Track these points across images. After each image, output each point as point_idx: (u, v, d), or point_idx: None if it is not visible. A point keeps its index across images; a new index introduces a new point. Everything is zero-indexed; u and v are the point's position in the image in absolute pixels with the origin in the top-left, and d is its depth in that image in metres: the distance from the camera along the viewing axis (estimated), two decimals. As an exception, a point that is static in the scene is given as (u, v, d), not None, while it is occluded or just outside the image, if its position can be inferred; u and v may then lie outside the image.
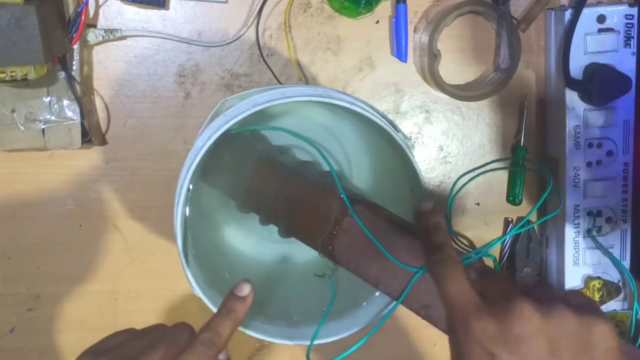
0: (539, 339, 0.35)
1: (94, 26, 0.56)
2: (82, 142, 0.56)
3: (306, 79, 0.59)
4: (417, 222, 0.43)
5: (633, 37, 0.58)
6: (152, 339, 0.42)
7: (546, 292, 0.40)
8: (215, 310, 0.46)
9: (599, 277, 0.62)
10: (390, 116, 0.61)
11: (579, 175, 0.60)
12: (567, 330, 0.35)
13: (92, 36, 0.55)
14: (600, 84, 0.57)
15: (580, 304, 0.37)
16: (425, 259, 0.42)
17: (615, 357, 0.35)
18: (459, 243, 0.61)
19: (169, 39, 0.57)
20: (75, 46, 0.54)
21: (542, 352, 0.34)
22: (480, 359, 0.35)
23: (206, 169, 0.50)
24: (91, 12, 0.56)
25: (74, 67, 0.55)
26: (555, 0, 0.60)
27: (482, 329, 0.35)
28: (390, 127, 0.46)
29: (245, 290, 0.45)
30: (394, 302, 0.45)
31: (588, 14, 0.57)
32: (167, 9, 0.57)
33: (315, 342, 0.48)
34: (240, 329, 0.48)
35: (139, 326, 0.63)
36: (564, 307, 0.36)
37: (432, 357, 0.66)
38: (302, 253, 0.54)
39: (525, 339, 0.35)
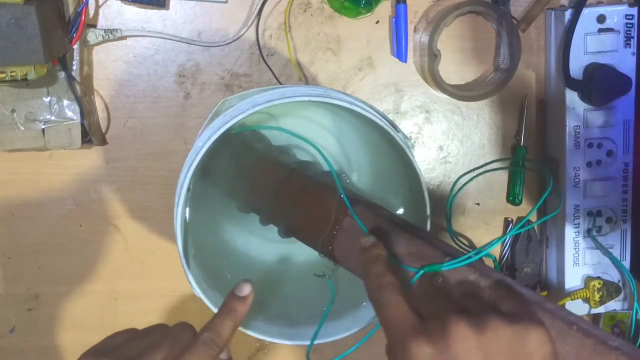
0: (475, 355, 0.34)
1: (94, 26, 0.56)
2: (82, 142, 0.56)
3: (306, 79, 0.59)
4: (360, 257, 0.43)
5: (633, 37, 0.58)
6: (153, 339, 0.42)
7: (478, 300, 0.39)
8: (215, 310, 0.46)
9: (599, 277, 0.62)
10: (390, 116, 0.61)
11: (579, 175, 0.60)
12: (502, 344, 0.35)
13: (92, 36, 0.55)
14: (600, 84, 0.57)
15: (513, 310, 0.37)
16: (367, 291, 0.42)
17: None
18: (459, 243, 0.61)
19: (169, 39, 0.57)
20: (75, 46, 0.54)
21: None
22: None
23: (206, 169, 0.50)
24: (91, 12, 0.56)
25: (74, 67, 0.55)
26: (555, 0, 0.60)
27: (420, 351, 0.35)
28: (390, 127, 0.46)
29: (246, 290, 0.45)
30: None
31: (588, 14, 0.57)
32: (167, 9, 0.57)
33: (315, 342, 0.48)
34: (241, 329, 0.48)
35: (139, 326, 0.63)
36: (496, 319, 0.35)
37: (432, 357, 0.66)
38: (302, 253, 0.54)
39: (462, 357, 0.34)
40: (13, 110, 0.55)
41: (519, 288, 0.41)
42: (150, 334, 0.43)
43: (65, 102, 0.55)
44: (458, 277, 0.41)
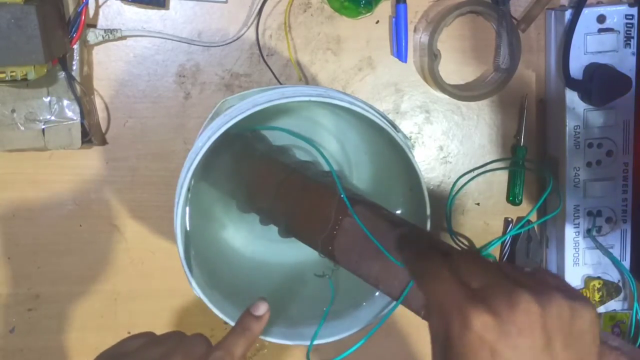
0: (538, 331, 0.33)
1: (94, 26, 0.56)
2: (82, 142, 0.56)
3: (306, 79, 0.59)
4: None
5: (633, 37, 0.58)
6: (169, 347, 0.41)
7: (519, 270, 0.38)
8: (215, 310, 0.46)
9: (599, 277, 0.62)
10: (390, 116, 0.61)
11: (579, 175, 0.60)
12: (563, 320, 0.34)
13: (92, 36, 0.55)
14: (600, 84, 0.57)
15: (561, 285, 0.36)
16: (409, 269, 0.41)
17: (597, 346, 0.34)
18: (459, 243, 0.61)
19: (169, 39, 0.57)
20: (75, 46, 0.54)
21: (540, 344, 0.33)
22: (479, 354, 0.34)
23: (206, 169, 0.50)
24: (91, 12, 0.56)
25: (74, 67, 0.55)
26: (555, 0, 0.60)
27: (481, 321, 0.34)
28: (390, 127, 0.46)
29: (262, 309, 0.45)
30: (394, 302, 0.45)
31: (588, 14, 0.57)
32: (167, 9, 0.57)
33: (315, 342, 0.48)
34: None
35: (139, 327, 0.63)
36: (559, 295, 0.34)
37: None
38: (302, 253, 0.54)
39: (526, 331, 0.33)
40: (13, 110, 0.55)
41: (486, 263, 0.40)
42: (166, 342, 0.42)
43: (65, 102, 0.55)
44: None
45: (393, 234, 0.44)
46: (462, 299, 0.35)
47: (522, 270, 0.38)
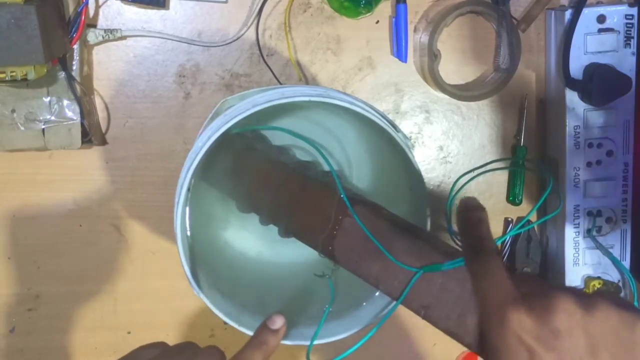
0: (579, 335, 0.33)
1: (94, 26, 0.56)
2: (82, 142, 0.56)
3: (306, 79, 0.59)
4: (460, 213, 0.41)
5: (633, 37, 0.58)
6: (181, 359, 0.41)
7: (579, 290, 0.37)
8: (215, 310, 0.46)
9: (599, 277, 0.62)
10: (390, 116, 0.61)
11: (579, 175, 0.60)
12: (609, 327, 0.33)
13: (92, 36, 0.55)
14: (600, 84, 0.57)
15: (619, 301, 0.35)
16: (463, 252, 0.40)
17: None
18: (459, 243, 0.61)
19: (169, 39, 0.57)
20: (75, 46, 0.54)
21: (582, 349, 0.33)
22: (517, 355, 0.33)
23: (206, 169, 0.50)
24: (91, 12, 0.56)
25: (74, 67, 0.55)
26: (555, 0, 0.60)
27: (519, 321, 0.33)
28: (390, 127, 0.46)
29: (279, 323, 0.45)
30: (394, 302, 0.45)
31: (588, 14, 0.57)
32: (167, 9, 0.57)
33: (315, 342, 0.48)
34: (241, 329, 0.48)
35: (139, 327, 0.63)
36: (606, 303, 0.34)
37: (432, 357, 0.66)
38: (302, 253, 0.54)
39: (565, 335, 0.33)
40: (13, 110, 0.55)
41: (544, 281, 0.40)
42: (180, 354, 0.42)
43: (65, 102, 0.55)
44: (459, 277, 0.41)
45: (396, 234, 0.44)
46: (508, 298, 0.35)
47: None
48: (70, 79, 0.54)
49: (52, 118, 0.55)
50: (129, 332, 0.63)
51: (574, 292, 0.34)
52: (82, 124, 0.55)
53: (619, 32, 0.57)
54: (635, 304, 0.60)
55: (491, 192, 0.64)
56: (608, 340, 0.33)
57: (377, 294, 0.50)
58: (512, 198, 0.63)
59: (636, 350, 0.33)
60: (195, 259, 0.47)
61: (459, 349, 0.66)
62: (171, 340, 0.63)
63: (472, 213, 0.41)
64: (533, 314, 0.33)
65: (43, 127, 0.55)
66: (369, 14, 0.58)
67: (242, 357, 0.42)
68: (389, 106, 0.61)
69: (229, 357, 0.43)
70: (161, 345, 0.43)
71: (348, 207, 0.45)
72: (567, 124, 0.59)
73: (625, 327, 0.33)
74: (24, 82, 0.48)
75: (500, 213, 0.64)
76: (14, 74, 0.48)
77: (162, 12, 0.57)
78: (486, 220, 0.40)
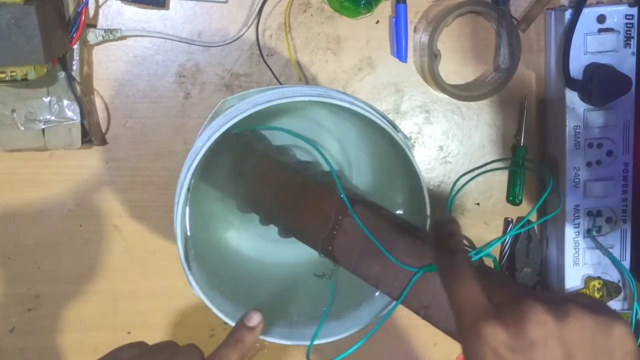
0: (553, 344, 0.32)
1: (94, 26, 0.56)
2: (82, 142, 0.56)
3: (306, 79, 0.59)
4: (432, 227, 0.42)
5: (633, 37, 0.58)
6: (162, 358, 0.41)
7: (553, 294, 0.37)
8: (215, 310, 0.46)
9: (599, 277, 0.62)
10: (390, 116, 0.61)
11: (579, 175, 0.60)
12: (583, 334, 0.33)
13: (92, 36, 0.55)
14: (600, 84, 0.57)
15: (592, 304, 0.34)
16: (437, 264, 0.40)
17: None
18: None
19: (169, 39, 0.57)
20: (75, 46, 0.54)
21: (557, 358, 0.32)
22: None
23: (206, 169, 0.50)
24: (91, 12, 0.56)
25: (74, 67, 0.55)
26: (555, 0, 0.60)
27: (493, 334, 0.33)
28: (390, 127, 0.46)
29: (255, 320, 0.45)
30: (394, 302, 0.45)
31: (588, 14, 0.57)
32: (167, 9, 0.57)
33: (315, 342, 0.48)
34: (240, 329, 0.48)
35: (139, 327, 0.63)
36: (578, 309, 0.33)
37: (432, 357, 0.66)
38: (302, 253, 0.54)
39: (539, 345, 0.32)
40: (13, 110, 0.55)
41: (516, 287, 0.40)
42: (159, 353, 0.42)
43: (65, 102, 0.55)
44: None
45: (396, 234, 0.44)
46: (480, 312, 0.35)
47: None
48: (70, 79, 0.54)
49: (52, 118, 0.55)
50: (129, 332, 0.63)
51: (545, 299, 0.34)
52: (82, 124, 0.55)
53: (619, 32, 0.57)
54: (635, 304, 0.60)
55: (491, 192, 0.64)
56: (584, 347, 0.33)
57: (377, 294, 0.50)
58: (512, 198, 0.63)
59: (613, 354, 0.33)
60: (195, 259, 0.47)
61: (459, 349, 0.66)
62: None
63: (443, 227, 0.41)
64: (506, 326, 0.33)
65: (43, 127, 0.55)
66: (369, 14, 0.58)
67: (218, 355, 0.42)
68: (389, 106, 0.61)
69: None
70: (140, 345, 0.43)
71: (348, 207, 0.45)
72: (567, 124, 0.59)
73: (600, 332, 0.33)
74: (24, 82, 0.48)
75: (500, 213, 0.64)
76: (14, 74, 0.48)
77: (162, 12, 0.57)
78: (458, 232, 0.40)
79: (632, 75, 0.58)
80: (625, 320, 0.34)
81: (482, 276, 0.40)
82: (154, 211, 0.60)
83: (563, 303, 0.34)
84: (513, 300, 0.35)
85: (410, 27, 0.60)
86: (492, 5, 0.58)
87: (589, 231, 0.61)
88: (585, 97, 0.58)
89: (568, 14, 0.57)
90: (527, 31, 0.61)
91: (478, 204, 0.64)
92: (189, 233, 0.47)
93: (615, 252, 0.62)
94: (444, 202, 0.61)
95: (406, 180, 0.51)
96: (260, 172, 0.52)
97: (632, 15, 0.57)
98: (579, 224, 0.61)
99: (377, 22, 0.59)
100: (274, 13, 0.58)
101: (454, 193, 0.61)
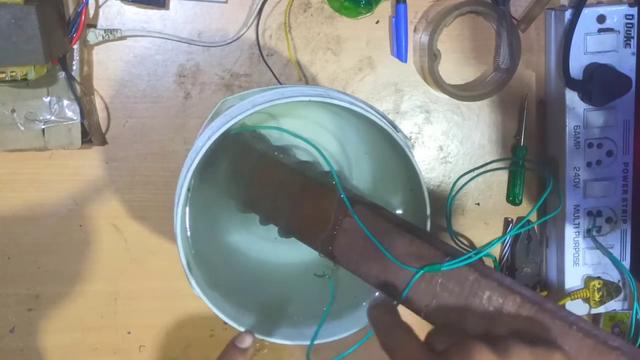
0: None
1: (94, 26, 0.56)
2: (82, 142, 0.56)
3: (306, 79, 0.59)
4: (369, 310, 0.43)
5: (633, 37, 0.58)
6: None
7: (491, 337, 0.39)
8: (215, 310, 0.46)
9: (599, 277, 0.62)
10: (390, 116, 0.61)
11: (579, 175, 0.60)
12: None
13: (92, 36, 0.55)
14: (600, 84, 0.57)
15: (533, 337, 0.37)
16: (377, 339, 0.41)
17: None
18: (459, 243, 0.61)
19: (169, 39, 0.57)
20: (75, 46, 0.54)
21: None
22: None
23: (206, 169, 0.50)
24: (91, 12, 0.56)
25: (74, 67, 0.55)
26: (555, 0, 0.60)
27: None
28: (390, 127, 0.46)
29: (247, 342, 0.45)
30: (394, 302, 0.45)
31: (588, 14, 0.57)
32: (167, 9, 0.57)
33: (315, 342, 0.48)
34: (241, 329, 0.48)
35: (139, 327, 0.63)
36: (517, 344, 0.35)
37: (432, 357, 0.66)
38: (302, 253, 0.54)
39: None
40: (13, 110, 0.55)
41: (519, 288, 0.41)
42: None
43: (65, 102, 0.55)
44: (459, 277, 0.41)
45: (396, 234, 0.44)
46: None
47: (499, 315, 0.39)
48: (70, 79, 0.54)
49: (52, 118, 0.55)
50: (129, 332, 0.63)
51: (486, 339, 0.35)
52: (82, 124, 0.55)
53: (619, 32, 0.57)
54: (635, 304, 0.60)
55: (491, 192, 0.64)
56: None
57: (377, 294, 0.50)
58: (512, 198, 0.63)
59: None
60: (195, 259, 0.47)
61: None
62: (171, 340, 0.63)
63: (377, 306, 0.43)
64: None
65: (43, 127, 0.55)
66: (369, 14, 0.58)
67: None
68: (389, 106, 0.61)
69: None
70: None
71: (348, 207, 0.45)
72: (567, 124, 0.59)
73: None
74: (24, 82, 0.48)
75: (500, 213, 0.64)
76: (14, 74, 0.48)
77: (162, 12, 0.57)
78: (393, 307, 0.42)
79: (632, 75, 0.58)
80: (562, 349, 0.36)
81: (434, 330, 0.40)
82: (154, 211, 0.60)
83: (504, 340, 0.35)
84: (456, 344, 0.36)
85: (410, 27, 0.60)
86: (492, 5, 0.58)
87: (589, 231, 0.61)
88: (585, 97, 0.58)
89: (568, 14, 0.57)
90: (527, 31, 0.61)
91: (478, 204, 0.64)
92: (189, 233, 0.47)
93: (615, 252, 0.62)
94: (444, 202, 0.61)
95: (406, 180, 0.51)
96: (260, 172, 0.52)
97: (632, 15, 0.57)
98: (579, 224, 0.61)
99: (377, 22, 0.59)
100: (274, 13, 0.58)
101: (454, 193, 0.61)
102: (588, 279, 0.62)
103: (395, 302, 0.43)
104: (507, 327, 0.39)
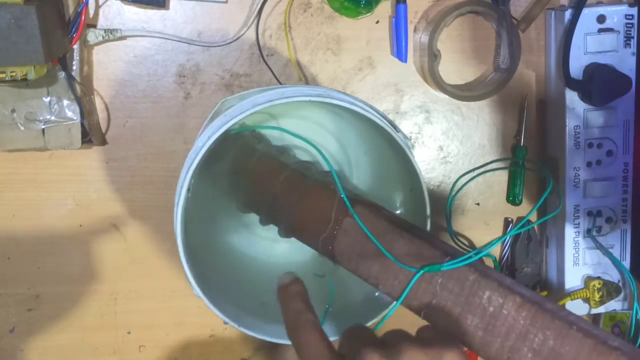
0: None
1: (94, 26, 0.56)
2: (82, 142, 0.56)
3: (306, 79, 0.59)
4: (278, 295, 0.44)
5: (633, 37, 0.58)
6: None
7: (394, 334, 0.39)
8: (215, 310, 0.46)
9: (599, 277, 0.62)
10: (390, 116, 0.61)
11: (579, 175, 0.60)
12: None
13: (92, 36, 0.55)
14: (600, 84, 0.57)
15: (428, 336, 0.38)
16: (286, 330, 0.42)
17: None
18: (459, 243, 0.61)
19: (169, 39, 0.57)
20: (75, 46, 0.54)
21: None
22: None
23: (206, 169, 0.50)
24: (91, 12, 0.56)
25: (74, 67, 0.55)
26: (555, 0, 0.60)
27: None
28: (390, 127, 0.46)
29: (287, 278, 0.46)
30: (394, 302, 0.45)
31: (588, 14, 0.57)
32: (167, 9, 0.57)
33: (315, 342, 0.48)
34: (241, 329, 0.48)
35: (139, 327, 0.63)
36: (409, 346, 0.36)
37: (432, 357, 0.66)
38: (302, 253, 0.54)
39: None
40: (13, 110, 0.55)
41: (519, 288, 0.41)
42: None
43: (65, 102, 0.55)
44: (459, 277, 0.41)
45: (396, 234, 0.44)
46: None
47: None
48: (70, 79, 0.54)
49: (52, 118, 0.55)
50: (129, 332, 0.63)
51: (377, 344, 0.36)
52: (82, 124, 0.55)
53: (619, 32, 0.57)
54: (635, 304, 0.60)
55: (491, 192, 0.64)
56: None
57: (377, 294, 0.50)
58: (512, 198, 0.63)
59: None
60: (196, 259, 0.47)
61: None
62: (171, 340, 0.63)
63: (287, 291, 0.43)
64: None
65: (43, 127, 0.55)
66: (369, 14, 0.58)
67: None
68: (389, 106, 0.61)
69: None
70: None
71: (348, 207, 0.45)
72: (567, 124, 0.59)
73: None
74: (24, 82, 0.48)
75: (500, 213, 0.64)
76: (14, 74, 0.48)
77: (162, 12, 0.57)
78: (302, 293, 0.43)
79: (632, 75, 0.58)
80: (456, 346, 0.36)
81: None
82: (154, 211, 0.60)
83: (395, 344, 0.36)
84: (352, 350, 0.37)
85: (410, 27, 0.60)
86: (492, 5, 0.58)
87: (589, 231, 0.61)
88: (585, 97, 0.58)
89: (568, 14, 0.57)
90: (527, 31, 0.61)
91: (478, 204, 0.64)
92: (189, 233, 0.47)
93: (615, 252, 0.62)
94: (444, 202, 0.61)
95: (406, 180, 0.51)
96: (260, 172, 0.52)
97: (632, 15, 0.57)
98: (579, 224, 0.61)
99: (377, 22, 0.59)
100: (274, 13, 0.58)
101: (454, 193, 0.61)
102: (588, 279, 0.62)
103: (303, 285, 0.43)
104: (507, 326, 0.40)
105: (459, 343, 0.38)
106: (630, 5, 0.57)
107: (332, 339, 0.48)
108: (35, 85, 0.54)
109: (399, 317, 0.64)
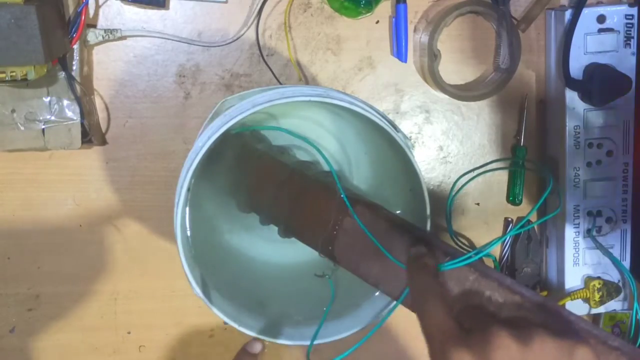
0: None
1: (94, 26, 0.56)
2: (82, 142, 0.56)
3: (306, 79, 0.59)
4: (407, 265, 0.43)
5: (633, 37, 0.58)
6: None
7: (526, 317, 0.39)
8: (215, 310, 0.46)
9: (599, 277, 0.62)
10: (390, 116, 0.61)
11: (579, 175, 0.60)
12: (545, 358, 0.34)
13: (92, 36, 0.55)
14: (600, 84, 0.57)
15: (561, 328, 0.36)
16: (411, 299, 0.41)
17: None
18: (459, 243, 0.61)
19: (169, 39, 0.57)
20: (75, 46, 0.54)
21: None
22: None
23: (206, 169, 0.50)
24: (91, 12, 0.56)
25: (74, 67, 0.55)
26: (555, 0, 0.60)
27: None
28: (390, 127, 0.46)
29: (257, 347, 0.46)
30: (394, 302, 0.45)
31: (588, 14, 0.57)
32: (167, 9, 0.57)
33: (315, 342, 0.48)
34: (241, 329, 0.48)
35: (139, 327, 0.63)
36: (542, 333, 0.35)
37: (432, 357, 0.66)
38: (302, 253, 0.54)
39: None
40: (13, 110, 0.55)
41: (519, 288, 0.41)
42: None
43: (65, 102, 0.55)
44: (459, 277, 0.41)
45: (396, 234, 0.44)
46: (448, 338, 0.36)
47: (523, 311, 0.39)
48: (70, 79, 0.54)
49: (52, 118, 0.55)
50: (129, 332, 0.63)
51: (511, 324, 0.35)
52: (82, 124, 0.55)
53: (619, 32, 0.57)
54: (635, 304, 0.60)
55: (491, 192, 0.64)
56: None
57: (377, 294, 0.50)
58: (512, 198, 0.63)
59: None
60: (195, 259, 0.47)
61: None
62: (171, 340, 0.63)
63: (417, 262, 0.42)
64: (473, 352, 0.34)
65: (43, 127, 0.55)
66: (369, 14, 0.58)
67: None
68: (389, 106, 0.61)
69: None
70: None
71: (348, 207, 0.45)
72: (567, 124, 0.59)
73: (563, 355, 0.34)
74: (24, 82, 0.48)
75: (500, 213, 0.64)
76: (14, 74, 0.48)
77: (162, 12, 0.57)
78: (430, 266, 0.42)
79: (632, 75, 0.58)
80: (589, 344, 0.35)
81: (482, 275, 0.40)
82: (154, 211, 0.60)
83: (527, 328, 0.35)
84: (481, 324, 0.36)
85: (410, 27, 0.60)
86: (492, 5, 0.58)
87: (589, 231, 0.61)
88: (585, 97, 0.58)
89: (568, 14, 0.57)
90: (527, 31, 0.61)
91: (478, 204, 0.64)
92: (189, 233, 0.47)
93: (615, 252, 0.62)
94: (444, 202, 0.61)
95: (406, 180, 0.51)
96: (260, 172, 0.52)
97: (632, 15, 0.57)
98: (579, 224, 0.61)
99: (377, 22, 0.59)
100: (274, 13, 0.58)
101: (454, 193, 0.61)
102: (588, 279, 0.62)
103: (437, 265, 0.42)
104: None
105: (587, 339, 0.37)
106: (630, 5, 0.57)
107: (332, 339, 0.48)
108: (35, 85, 0.54)
109: (399, 317, 0.64)
